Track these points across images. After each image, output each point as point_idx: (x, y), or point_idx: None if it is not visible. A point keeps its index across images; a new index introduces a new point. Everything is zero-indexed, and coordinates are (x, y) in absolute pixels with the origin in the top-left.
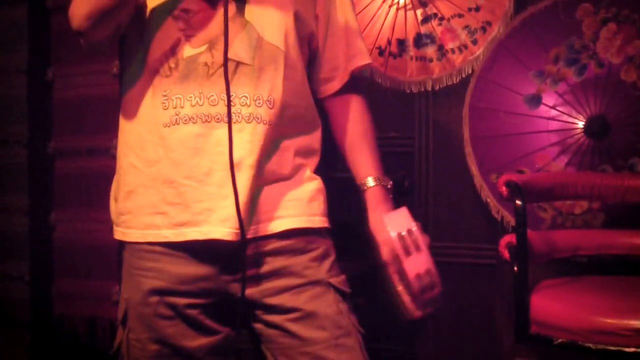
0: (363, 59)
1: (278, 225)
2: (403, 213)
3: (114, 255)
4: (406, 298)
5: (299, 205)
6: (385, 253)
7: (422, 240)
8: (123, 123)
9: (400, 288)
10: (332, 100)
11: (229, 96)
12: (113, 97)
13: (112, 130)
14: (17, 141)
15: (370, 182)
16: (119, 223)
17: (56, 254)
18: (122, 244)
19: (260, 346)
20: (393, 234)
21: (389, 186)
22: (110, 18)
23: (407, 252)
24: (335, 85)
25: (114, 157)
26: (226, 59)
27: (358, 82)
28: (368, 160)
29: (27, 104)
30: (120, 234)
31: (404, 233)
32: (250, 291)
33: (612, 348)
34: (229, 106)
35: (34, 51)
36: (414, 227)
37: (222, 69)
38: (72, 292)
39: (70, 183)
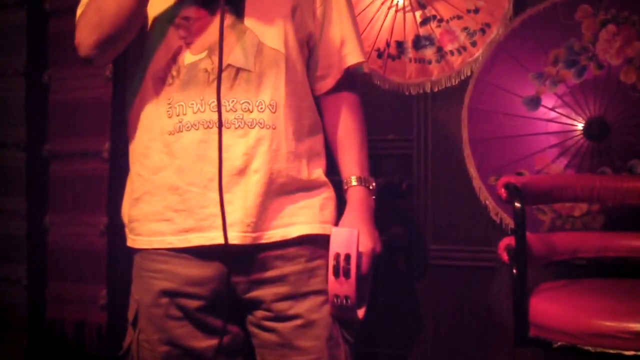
0: (356, 57)
1: (291, 231)
2: (351, 235)
3: (104, 259)
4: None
5: (312, 213)
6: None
7: (354, 270)
8: (131, 132)
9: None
10: (326, 98)
11: (219, 101)
12: (106, 100)
13: (105, 133)
14: (14, 144)
15: (353, 181)
16: (130, 230)
17: (49, 258)
18: (129, 248)
19: (253, 349)
20: (331, 251)
21: (371, 187)
22: (117, 44)
23: (336, 274)
24: (329, 83)
25: (106, 161)
26: (220, 65)
27: (353, 81)
28: (354, 159)
29: (25, 106)
30: (131, 241)
31: (341, 254)
32: (256, 293)
33: (612, 351)
34: (219, 111)
35: (32, 54)
36: (354, 253)
37: (222, 75)
38: (64, 296)
39: (64, 186)
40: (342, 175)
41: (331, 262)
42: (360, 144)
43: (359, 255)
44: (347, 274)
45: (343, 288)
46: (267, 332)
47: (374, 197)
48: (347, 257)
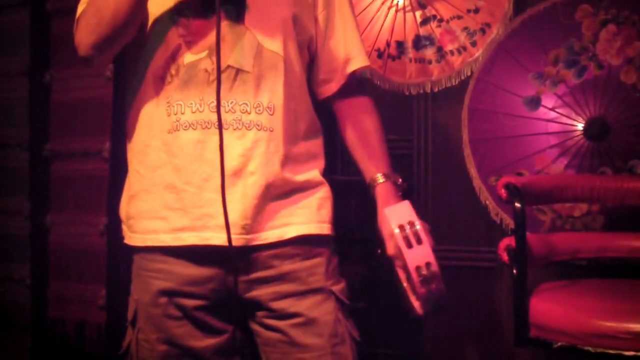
0: (360, 62)
1: (287, 232)
2: (405, 206)
3: (104, 259)
4: (411, 294)
5: (309, 213)
6: (390, 247)
7: (424, 233)
8: (129, 130)
9: (405, 284)
10: (338, 102)
11: (218, 102)
12: (106, 100)
13: (105, 133)
14: (17, 144)
15: (380, 178)
16: (128, 227)
17: (51, 257)
18: (129, 247)
19: (257, 348)
20: (394, 225)
21: (398, 182)
22: (115, 44)
23: (409, 244)
24: (333, 87)
25: (106, 160)
26: (219, 67)
27: (361, 84)
28: (377, 157)
29: (29, 106)
30: (128, 238)
31: (405, 224)
32: (256, 293)
33: (612, 352)
34: (218, 112)
35: (35, 54)
36: (415, 219)
37: (221, 76)
38: (65, 296)
39: (65, 186)
40: (366, 176)
41: (400, 235)
42: (382, 144)
43: (422, 221)
44: (419, 239)
45: (421, 254)
46: (269, 330)
47: (401, 194)
48: (411, 223)
